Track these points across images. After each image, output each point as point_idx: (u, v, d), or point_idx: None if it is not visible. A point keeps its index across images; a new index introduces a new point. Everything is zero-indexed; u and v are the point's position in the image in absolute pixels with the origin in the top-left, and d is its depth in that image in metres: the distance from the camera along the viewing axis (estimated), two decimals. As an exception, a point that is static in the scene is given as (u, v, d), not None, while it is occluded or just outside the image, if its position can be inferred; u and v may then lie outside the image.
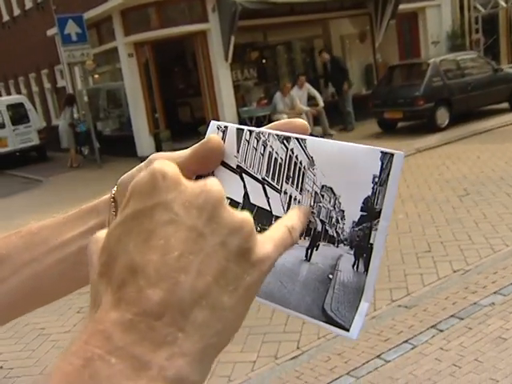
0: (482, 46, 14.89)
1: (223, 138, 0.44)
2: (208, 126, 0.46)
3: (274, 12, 12.07)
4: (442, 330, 3.49)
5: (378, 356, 3.31)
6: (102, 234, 0.33)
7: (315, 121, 11.94)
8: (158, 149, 12.52)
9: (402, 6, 13.62)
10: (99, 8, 12.36)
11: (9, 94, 19.89)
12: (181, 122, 14.08)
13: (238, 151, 0.44)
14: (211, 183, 0.32)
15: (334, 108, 12.20)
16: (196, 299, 0.29)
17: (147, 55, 12.62)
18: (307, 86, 11.99)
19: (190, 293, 0.29)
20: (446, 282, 4.25)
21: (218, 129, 0.45)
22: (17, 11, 18.23)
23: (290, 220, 0.38)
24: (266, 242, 0.33)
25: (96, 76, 14.98)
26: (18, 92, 19.33)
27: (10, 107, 15.33)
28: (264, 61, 13.65)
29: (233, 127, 0.45)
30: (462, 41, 15.11)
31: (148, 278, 0.29)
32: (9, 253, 0.51)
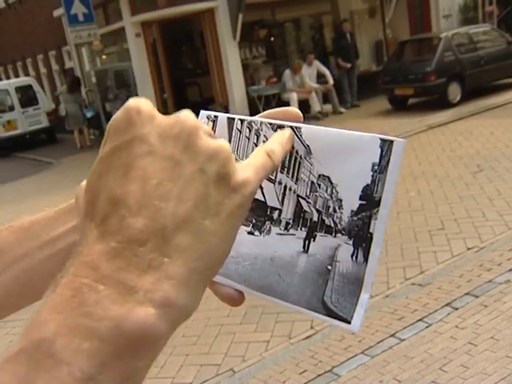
0: (496, 18, 14.53)
1: (213, 128, 0.44)
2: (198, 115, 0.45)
3: (281, -12, 11.89)
4: (456, 308, 3.47)
5: (393, 335, 3.30)
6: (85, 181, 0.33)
7: (325, 98, 11.83)
8: (167, 129, 12.51)
9: (412, -21, 13.35)
10: (105, -13, 12.24)
11: (17, 76, 19.87)
12: (189, 101, 14.00)
13: (229, 141, 0.43)
14: (185, 114, 0.33)
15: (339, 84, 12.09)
16: (178, 224, 0.30)
17: (155, 35, 12.52)
18: (316, 63, 11.86)
19: (172, 219, 0.30)
20: (460, 259, 4.22)
21: (208, 118, 0.44)
22: (22, -8, 18.11)
23: (270, 145, 0.38)
24: (245, 167, 0.34)
25: (103, 57, 14.90)
26: (26, 74, 19.31)
27: (19, 89, 15.32)
28: (272, 39, 13.48)
29: (223, 116, 0.44)
30: (475, 13, 14.79)
31: (129, 208, 0.30)
32: (1, 248, 0.51)
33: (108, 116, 13.24)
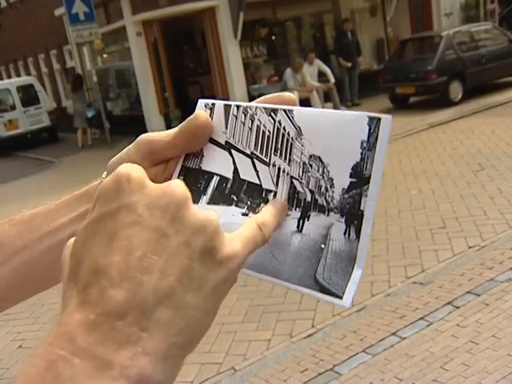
0: (497, 16, 14.51)
1: (211, 116, 0.44)
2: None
3: (283, -13, 11.89)
4: (458, 307, 3.47)
5: (394, 333, 3.30)
6: (73, 240, 0.33)
7: (326, 97, 11.82)
8: (168, 128, 12.35)
9: (413, -22, 13.32)
10: (106, -14, 12.24)
11: (18, 75, 19.88)
12: (191, 100, 13.99)
13: (226, 127, 0.44)
14: (175, 184, 0.33)
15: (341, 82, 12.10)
16: (159, 299, 0.30)
17: (156, 34, 12.51)
18: (317, 62, 11.85)
19: (153, 293, 0.30)
20: (462, 258, 4.22)
21: (206, 106, 0.45)
22: (23, -9, 18.11)
23: (262, 216, 0.38)
24: (234, 239, 0.34)
25: (105, 56, 14.90)
26: (28, 73, 19.32)
27: (20, 89, 15.33)
28: (273, 37, 13.46)
29: (220, 103, 0.44)
30: (477, 11, 14.77)
31: (110, 279, 0.29)
32: (1, 241, 0.51)
33: (109, 115, 13.25)
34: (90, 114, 13.60)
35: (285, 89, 11.51)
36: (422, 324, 3.35)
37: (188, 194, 0.33)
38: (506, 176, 5.97)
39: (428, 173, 6.67)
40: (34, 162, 13.53)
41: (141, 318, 0.29)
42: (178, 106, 12.82)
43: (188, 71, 14.79)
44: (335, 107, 11.84)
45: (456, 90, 10.52)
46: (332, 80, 11.70)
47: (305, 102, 11.17)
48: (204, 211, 0.32)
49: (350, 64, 12.05)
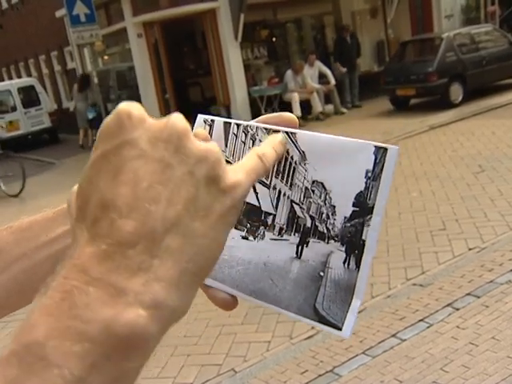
0: (498, 19, 14.53)
1: (210, 133, 0.44)
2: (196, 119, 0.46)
3: (283, -12, 11.90)
4: (458, 309, 3.47)
5: (394, 335, 3.30)
6: (78, 183, 0.33)
7: (327, 99, 11.83)
8: (169, 130, 12.52)
9: (414, -20, 13.34)
10: (107, -12, 12.26)
11: (19, 76, 19.90)
12: (191, 102, 14.01)
13: (226, 145, 0.43)
14: (175, 117, 0.33)
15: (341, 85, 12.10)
16: (167, 227, 0.30)
17: (156, 35, 12.52)
18: (318, 63, 11.87)
19: (162, 221, 0.30)
20: (462, 259, 4.22)
21: (205, 122, 0.44)
22: (24, -7, 18.14)
23: (262, 148, 0.38)
24: (236, 169, 0.34)
25: (105, 57, 14.92)
26: (29, 74, 19.34)
27: (21, 90, 15.36)
28: (274, 39, 13.47)
29: (220, 121, 0.44)
30: (477, 13, 14.79)
31: (119, 211, 0.30)
32: (0, 248, 0.51)
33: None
34: (90, 116, 13.61)
35: (285, 90, 11.54)
36: (422, 326, 3.35)
37: (188, 126, 0.33)
38: (507, 178, 5.97)
39: (428, 175, 6.67)
40: (35, 163, 13.53)
41: (151, 246, 0.30)
42: (179, 108, 12.83)
43: (189, 73, 14.81)
44: (336, 109, 11.85)
45: (456, 91, 10.53)
46: (332, 82, 11.71)
47: (305, 104, 11.18)
48: (205, 143, 0.33)
49: (345, 70, 12.08)
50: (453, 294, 3.67)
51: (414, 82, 10.56)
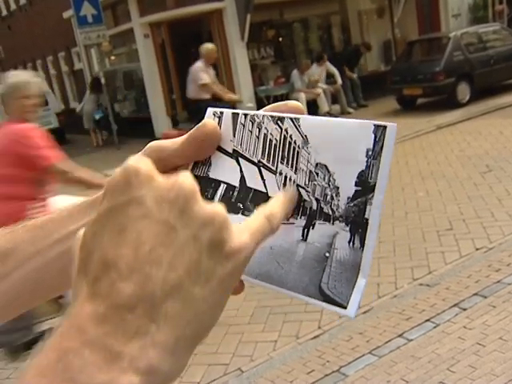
0: (506, 17, 14.44)
1: (219, 124, 0.44)
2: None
3: (290, -12, 11.91)
4: (465, 309, 3.46)
5: (400, 335, 3.29)
6: (82, 232, 0.33)
7: (334, 99, 11.81)
8: (176, 130, 12.54)
9: (421, -21, 13.30)
10: (114, -11, 12.31)
11: (27, 77, 20.01)
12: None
13: (234, 135, 0.44)
14: (183, 178, 0.33)
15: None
16: (167, 291, 0.30)
17: (163, 36, 12.56)
18: (327, 63, 11.87)
19: (162, 285, 0.30)
20: (469, 260, 4.21)
21: (214, 115, 0.45)
22: (32, -6, 18.26)
23: (270, 207, 0.38)
24: (241, 232, 0.33)
25: (112, 58, 14.98)
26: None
27: (29, 91, 15.43)
28: (280, 39, 13.48)
29: (228, 112, 0.45)
30: (485, 12, 14.71)
31: (120, 272, 0.30)
32: (15, 246, 0.51)
33: (116, 117, 13.31)
34: (97, 116, 13.68)
35: (292, 90, 11.53)
36: (429, 326, 3.34)
37: (196, 187, 0.33)
38: (514, 178, 5.94)
39: (435, 174, 6.65)
40: (43, 164, 13.62)
41: (149, 310, 0.29)
42: (185, 108, 12.85)
43: (195, 73, 14.81)
44: (342, 109, 11.83)
45: (464, 91, 10.49)
46: (339, 81, 11.70)
47: (312, 103, 11.17)
48: (212, 205, 0.33)
49: (355, 75, 12.13)
50: (460, 294, 3.66)
51: (421, 81, 10.53)
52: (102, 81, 12.66)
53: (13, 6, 20.04)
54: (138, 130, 13.15)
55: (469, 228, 4.80)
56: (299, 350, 3.36)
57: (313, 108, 11.30)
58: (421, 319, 3.43)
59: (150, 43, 12.38)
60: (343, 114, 11.75)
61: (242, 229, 0.34)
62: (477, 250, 4.35)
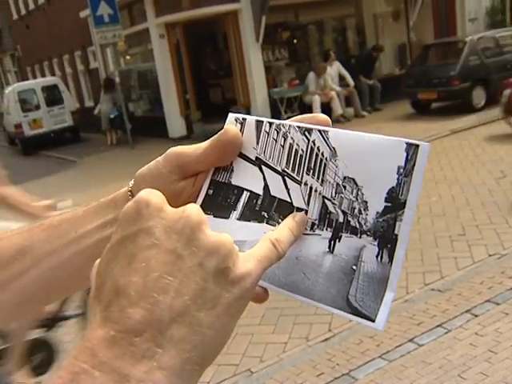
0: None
1: (241, 130, 0.44)
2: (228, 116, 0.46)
3: (305, -10, 11.91)
4: (476, 315, 3.43)
5: (411, 340, 3.28)
6: (99, 260, 0.35)
7: (347, 101, 11.79)
8: (189, 130, 12.57)
9: (438, -18, 13.22)
10: (131, -11, 12.39)
11: (43, 75, 20.22)
12: (212, 103, 14.08)
13: (257, 143, 0.44)
14: (190, 209, 0.35)
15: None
16: (174, 317, 0.32)
17: (178, 36, 12.62)
18: (337, 64, 11.85)
19: (168, 311, 0.32)
20: (482, 266, 4.18)
21: (236, 121, 0.45)
22: (51, -7, 18.44)
23: (277, 233, 0.39)
24: (247, 259, 0.35)
25: (127, 57, 15.07)
26: (52, 74, 19.64)
27: (45, 89, 15.59)
28: (295, 41, 13.47)
29: (252, 119, 0.45)
30: (503, 16, 14.59)
31: (129, 298, 0.32)
32: (32, 245, 0.52)
33: (131, 116, 13.39)
34: (112, 115, 13.78)
35: (306, 92, 11.52)
36: (440, 331, 3.32)
37: (203, 217, 0.35)
38: (529, 184, 5.88)
39: (449, 179, 6.61)
40: (57, 161, 13.73)
41: (156, 335, 0.31)
42: (199, 108, 12.89)
43: (209, 73, 14.89)
44: (356, 112, 11.80)
45: (479, 96, 10.41)
46: (351, 83, 11.68)
47: (326, 106, 11.16)
48: (218, 234, 0.34)
49: (372, 81, 12.11)
50: (472, 300, 3.63)
51: (436, 85, 10.46)
52: (117, 80, 12.74)
53: (31, 6, 20.25)
54: (152, 129, 13.22)
55: (482, 234, 4.77)
56: (309, 353, 3.37)
57: (326, 110, 11.29)
58: (432, 324, 3.41)
59: (165, 43, 12.45)
60: (357, 116, 11.72)
61: (247, 256, 0.36)
62: (490, 256, 4.32)
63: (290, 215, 0.41)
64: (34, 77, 20.86)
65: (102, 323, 0.32)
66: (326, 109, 11.18)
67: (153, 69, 13.23)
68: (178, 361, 0.31)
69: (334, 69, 11.82)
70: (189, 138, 12.21)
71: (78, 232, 0.51)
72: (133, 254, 0.33)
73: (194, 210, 0.35)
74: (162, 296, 0.32)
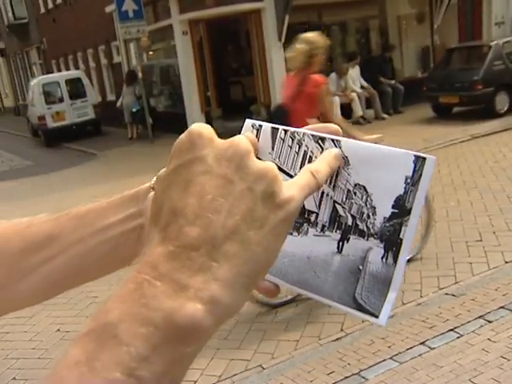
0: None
1: (257, 136, 0.47)
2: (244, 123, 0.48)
3: (329, -9, 11.89)
4: (490, 321, 3.43)
5: (423, 343, 3.29)
6: (153, 192, 0.39)
7: (368, 103, 11.75)
8: (209, 127, 12.65)
9: (466, -14, 13.08)
10: (156, -15, 12.50)
11: (68, 69, 20.48)
12: (232, 100, 14.13)
13: (272, 148, 0.47)
14: (239, 139, 0.38)
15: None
16: (227, 234, 0.35)
17: (201, 33, 12.69)
18: (357, 68, 11.86)
19: (222, 229, 0.35)
20: (497, 272, 4.16)
21: (253, 127, 0.48)
22: (77, -12, 18.67)
23: (316, 164, 0.42)
24: (290, 186, 0.38)
25: (150, 53, 15.20)
26: (76, 67, 19.88)
27: (69, 82, 15.82)
28: (317, 41, 13.44)
29: (267, 126, 0.47)
30: (531, 21, 14.36)
31: (186, 218, 0.35)
32: (59, 233, 0.56)
33: (152, 111, 13.51)
34: (134, 109, 13.91)
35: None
36: (452, 335, 3.33)
37: (250, 147, 0.38)
38: (549, 192, 5.82)
39: (468, 185, 6.57)
40: (78, 154, 13.92)
41: (211, 250, 0.34)
42: (220, 105, 12.96)
43: (231, 71, 14.94)
44: (376, 114, 11.75)
45: (502, 101, 10.29)
46: (364, 85, 11.75)
47: (346, 107, 11.13)
48: (264, 162, 0.38)
49: (393, 81, 12.08)
50: (486, 306, 3.63)
51: (458, 89, 10.37)
52: (139, 75, 12.88)
53: (59, 0, 20.53)
54: (172, 125, 13.31)
55: (499, 240, 4.74)
56: (320, 351, 3.40)
57: (347, 112, 11.26)
58: (444, 328, 3.42)
59: (188, 40, 12.53)
60: (377, 118, 11.67)
61: (291, 184, 0.39)
62: (506, 262, 4.30)
63: (327, 150, 0.44)
64: (59, 70, 21.15)
65: (161, 242, 0.35)
66: (347, 110, 11.16)
67: (175, 65, 13.33)
68: (231, 274, 0.34)
69: (356, 70, 11.79)
70: (209, 134, 12.28)
71: (103, 223, 0.54)
72: (188, 180, 0.36)
73: (242, 140, 0.38)
74: (215, 216, 0.35)
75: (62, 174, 11.74)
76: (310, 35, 4.18)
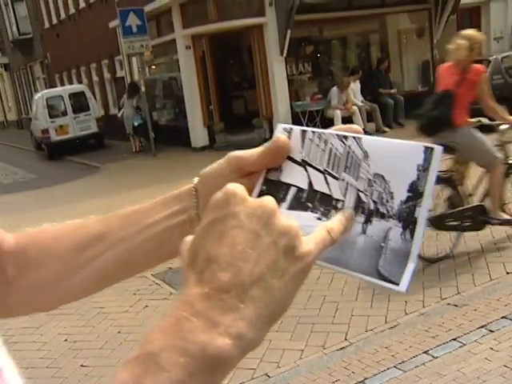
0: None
1: (289, 138, 0.54)
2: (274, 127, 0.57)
3: (330, 7, 12.05)
4: (492, 331, 3.48)
5: (426, 352, 3.34)
6: (189, 238, 0.45)
7: (369, 117, 11.85)
8: (212, 141, 12.74)
9: (464, 1, 13.25)
10: (159, 1, 12.68)
11: (71, 83, 20.67)
12: (235, 114, 14.26)
13: (302, 147, 0.54)
14: (267, 200, 0.44)
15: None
16: (253, 281, 0.41)
17: (204, 48, 12.85)
18: (358, 83, 12.00)
19: (249, 276, 0.40)
20: (499, 283, 4.21)
21: (285, 130, 0.55)
22: (82, 4, 18.92)
23: (331, 223, 0.48)
24: (308, 241, 0.44)
25: (153, 67, 15.37)
26: (80, 81, 20.07)
27: (72, 96, 15.97)
28: (319, 55, 13.60)
29: (297, 128, 0.55)
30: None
31: (219, 265, 0.41)
32: (108, 231, 0.63)
33: (154, 124, 13.62)
34: (136, 123, 14.01)
35: (328, 106, 11.63)
36: (455, 345, 3.37)
37: (277, 206, 0.44)
38: (549, 204, 5.87)
39: (469, 197, 6.61)
40: (81, 167, 14.01)
41: (240, 293, 0.40)
42: (222, 119, 13.08)
43: (233, 85, 15.08)
44: (377, 127, 11.85)
45: (502, 115, 10.37)
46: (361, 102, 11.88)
47: (347, 121, 11.24)
48: (288, 220, 0.43)
49: (393, 90, 12.22)
50: (488, 316, 3.67)
51: (458, 103, 10.45)
52: (142, 88, 13.01)
53: (63, 16, 20.79)
54: (175, 138, 13.44)
55: (500, 252, 4.79)
56: (325, 360, 3.44)
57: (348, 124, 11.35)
58: (447, 338, 3.46)
59: (190, 54, 12.69)
60: (378, 132, 11.77)
61: (310, 239, 0.44)
62: (508, 273, 4.35)
63: (342, 211, 0.51)
64: (62, 84, 21.34)
65: (197, 284, 0.41)
66: (348, 123, 11.20)
67: (178, 79, 13.47)
68: (255, 314, 0.40)
69: (357, 85, 11.92)
70: (211, 148, 12.39)
71: (148, 221, 0.61)
72: (222, 232, 0.42)
73: (270, 200, 0.44)
74: (244, 264, 0.41)
75: (65, 186, 11.82)
76: (470, 32, 4.93)
